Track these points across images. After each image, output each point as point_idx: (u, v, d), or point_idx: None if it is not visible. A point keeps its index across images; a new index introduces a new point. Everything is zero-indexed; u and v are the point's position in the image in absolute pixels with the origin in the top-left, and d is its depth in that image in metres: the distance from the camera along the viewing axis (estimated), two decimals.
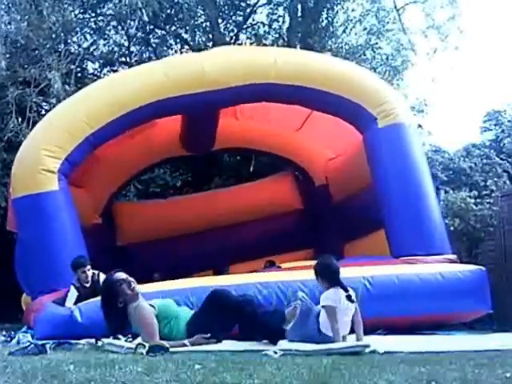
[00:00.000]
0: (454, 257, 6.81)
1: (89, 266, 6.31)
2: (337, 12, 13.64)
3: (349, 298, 4.73)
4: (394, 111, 7.03)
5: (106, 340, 4.84)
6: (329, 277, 4.82)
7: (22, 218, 6.82)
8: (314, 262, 6.74)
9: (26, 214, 6.74)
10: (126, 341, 5.17)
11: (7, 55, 10.99)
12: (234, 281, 5.97)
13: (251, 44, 14.60)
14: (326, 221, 9.71)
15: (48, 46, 10.92)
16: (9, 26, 10.92)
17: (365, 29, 13.80)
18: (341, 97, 7.09)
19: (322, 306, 4.68)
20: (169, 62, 7.66)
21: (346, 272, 5.78)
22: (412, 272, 6.03)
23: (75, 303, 5.97)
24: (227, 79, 7.01)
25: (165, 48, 14.59)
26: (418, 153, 7.11)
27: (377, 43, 13.71)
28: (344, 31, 13.78)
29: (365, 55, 13.44)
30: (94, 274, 6.34)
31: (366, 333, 5.34)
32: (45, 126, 7.24)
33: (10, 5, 11.16)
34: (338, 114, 7.59)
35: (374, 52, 13.58)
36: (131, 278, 4.75)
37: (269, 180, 10.85)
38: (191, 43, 14.15)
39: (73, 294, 6.15)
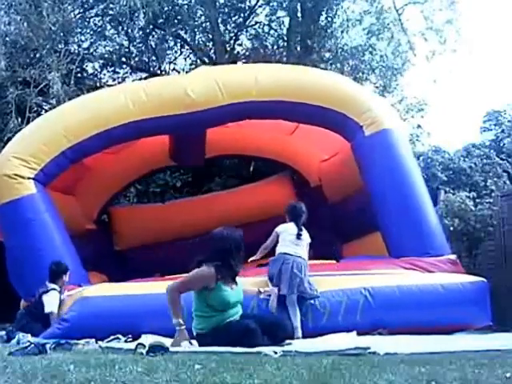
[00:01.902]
0: (454, 257, 6.81)
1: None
2: (336, 12, 13.63)
3: (298, 235, 5.78)
4: (380, 118, 7.03)
5: (103, 344, 4.85)
6: (290, 214, 5.95)
7: (5, 226, 6.85)
8: (313, 262, 6.88)
9: (8, 221, 6.77)
10: (125, 341, 5.20)
11: (7, 55, 10.97)
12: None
13: (252, 45, 14.60)
14: (323, 221, 9.70)
15: (48, 46, 10.91)
16: (8, 27, 10.91)
17: (364, 29, 13.79)
18: (325, 108, 7.08)
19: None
20: (151, 83, 7.61)
21: (346, 283, 5.81)
22: (412, 283, 5.99)
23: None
24: (209, 100, 7.03)
25: (165, 48, 14.59)
26: (407, 156, 7.11)
27: (376, 44, 13.69)
28: (343, 32, 13.76)
29: (364, 56, 13.43)
30: None
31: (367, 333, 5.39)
32: (23, 136, 7.29)
33: (10, 5, 11.14)
34: (323, 125, 7.61)
35: (373, 54, 13.56)
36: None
37: (266, 182, 10.86)
38: (191, 43, 14.15)
39: (56, 298, 6.17)
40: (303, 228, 5.88)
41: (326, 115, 7.17)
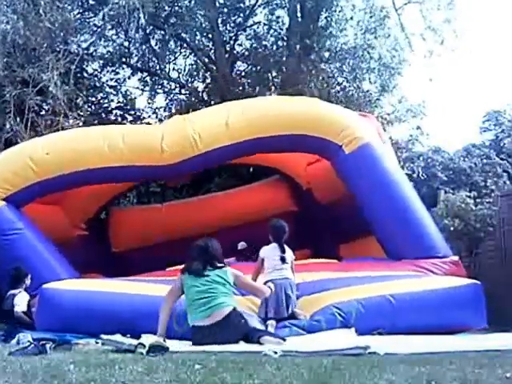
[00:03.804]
0: (455, 258, 6.84)
1: None
2: (335, 12, 13.60)
3: (282, 259, 5.85)
4: (357, 134, 7.04)
5: (105, 336, 4.85)
6: (272, 234, 6.03)
7: None
8: (316, 260, 6.88)
9: None
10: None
11: (5, 54, 10.93)
12: None
13: (251, 45, 14.59)
14: (318, 222, 9.70)
15: (45, 45, 10.88)
16: (5, 26, 10.85)
17: (363, 29, 13.76)
18: (300, 135, 7.09)
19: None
20: (130, 131, 7.52)
21: (339, 296, 5.81)
22: (404, 291, 5.93)
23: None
24: (184, 153, 7.04)
25: (165, 49, 14.59)
26: (391, 165, 7.14)
27: (375, 43, 13.66)
28: (342, 31, 13.74)
29: (363, 55, 13.42)
30: None
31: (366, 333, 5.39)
32: None
33: (8, 5, 11.10)
34: (301, 150, 7.68)
35: (371, 53, 13.53)
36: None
37: (262, 183, 10.88)
38: (191, 44, 14.14)
39: (25, 298, 6.31)
40: (285, 247, 5.98)
41: (303, 142, 7.20)
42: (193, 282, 5.09)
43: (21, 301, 6.27)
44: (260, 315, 5.71)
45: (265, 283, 5.79)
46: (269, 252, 5.95)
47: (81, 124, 10.86)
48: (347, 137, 7.02)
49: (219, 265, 5.25)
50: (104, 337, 4.83)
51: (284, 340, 4.95)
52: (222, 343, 4.70)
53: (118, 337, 4.84)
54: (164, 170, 7.16)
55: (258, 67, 14.08)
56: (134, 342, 4.48)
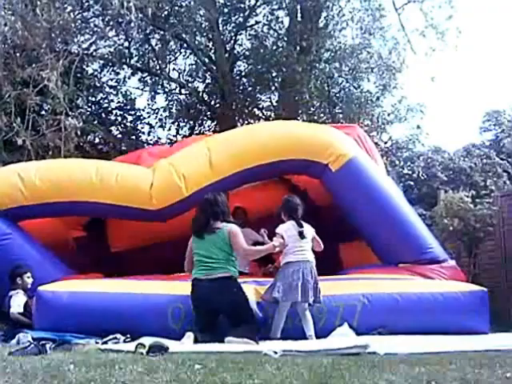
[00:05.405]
0: (453, 263, 6.87)
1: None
2: (335, 12, 13.61)
3: (300, 234, 5.62)
4: (341, 151, 7.01)
5: (102, 346, 4.85)
6: (285, 210, 5.80)
7: None
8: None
9: None
10: (124, 341, 5.20)
11: (4, 55, 10.92)
12: None
13: (251, 45, 14.59)
14: (317, 222, 9.69)
15: (45, 45, 10.88)
16: (4, 27, 10.84)
17: (362, 29, 13.76)
18: (285, 161, 7.07)
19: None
20: (125, 171, 7.42)
21: (345, 288, 5.86)
22: (412, 291, 5.92)
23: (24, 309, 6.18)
24: (169, 199, 7.04)
25: (165, 49, 14.59)
26: (378, 176, 7.13)
27: (375, 43, 13.67)
28: (342, 31, 13.75)
29: (362, 54, 13.41)
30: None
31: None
32: None
33: (9, 8, 11.09)
34: (288, 173, 7.74)
35: (371, 53, 13.52)
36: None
37: (261, 183, 10.87)
38: (191, 44, 14.14)
39: (21, 299, 6.27)
40: (303, 223, 5.72)
41: (289, 166, 7.20)
42: (196, 244, 5.46)
43: (16, 302, 6.22)
44: (266, 298, 5.48)
45: (283, 265, 5.56)
46: (285, 231, 5.62)
47: (81, 124, 10.84)
48: (332, 155, 6.99)
49: (219, 225, 5.42)
50: (101, 347, 4.84)
51: (257, 343, 4.87)
52: (213, 296, 5.18)
53: (115, 345, 4.87)
54: (150, 214, 7.17)
55: (258, 67, 14.08)
56: (132, 346, 4.49)
